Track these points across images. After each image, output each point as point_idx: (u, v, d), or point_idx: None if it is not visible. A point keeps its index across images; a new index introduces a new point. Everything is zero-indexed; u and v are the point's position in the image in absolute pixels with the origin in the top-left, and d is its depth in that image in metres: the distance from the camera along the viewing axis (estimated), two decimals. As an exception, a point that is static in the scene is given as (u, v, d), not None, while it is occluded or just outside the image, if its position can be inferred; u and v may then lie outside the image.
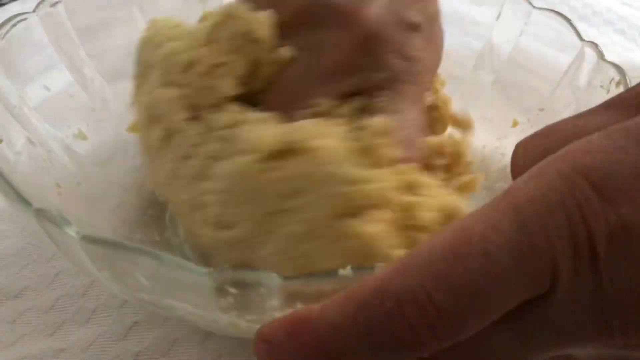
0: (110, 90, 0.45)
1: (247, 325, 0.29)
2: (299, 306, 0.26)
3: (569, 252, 0.22)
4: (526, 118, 0.43)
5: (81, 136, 0.42)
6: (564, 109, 0.41)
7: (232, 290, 0.26)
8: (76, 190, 0.39)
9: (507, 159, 0.41)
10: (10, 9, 0.39)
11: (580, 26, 0.42)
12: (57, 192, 0.38)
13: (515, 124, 0.44)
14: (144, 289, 0.28)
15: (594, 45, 0.40)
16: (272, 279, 0.25)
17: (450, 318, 0.22)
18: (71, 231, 0.26)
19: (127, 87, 0.45)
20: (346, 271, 0.24)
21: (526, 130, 0.42)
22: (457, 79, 0.47)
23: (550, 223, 0.22)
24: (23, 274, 0.39)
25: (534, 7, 0.44)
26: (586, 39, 0.42)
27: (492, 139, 0.45)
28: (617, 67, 0.38)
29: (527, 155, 0.29)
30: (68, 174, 0.39)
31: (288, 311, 0.26)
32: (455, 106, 0.46)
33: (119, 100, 0.45)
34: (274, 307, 0.26)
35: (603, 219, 0.22)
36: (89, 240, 0.26)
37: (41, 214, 0.27)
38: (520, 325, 0.23)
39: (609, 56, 0.40)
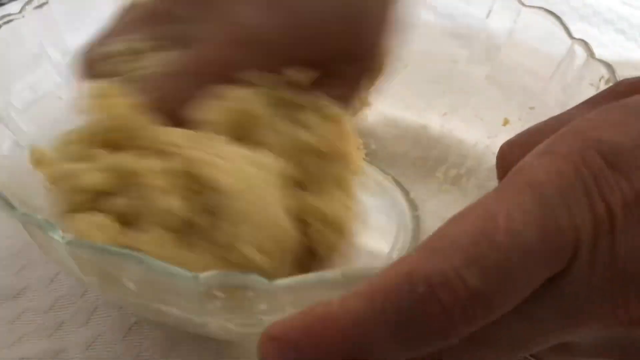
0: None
1: (238, 329, 0.29)
2: (289, 309, 0.26)
3: (590, 225, 0.22)
4: (517, 117, 0.43)
5: (69, 139, 0.41)
6: (555, 107, 0.40)
7: (220, 294, 0.25)
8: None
9: (498, 157, 0.41)
10: (10, 9, 0.39)
11: (580, 26, 0.42)
12: (46, 195, 0.37)
13: (506, 122, 0.44)
14: (132, 294, 0.28)
15: (584, 42, 0.40)
16: (261, 283, 0.25)
17: (482, 300, 0.21)
18: (56, 236, 0.26)
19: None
20: (336, 275, 0.24)
21: (517, 128, 0.41)
22: (449, 76, 0.47)
23: (570, 197, 0.22)
24: (23, 274, 0.39)
25: (523, 4, 0.44)
26: (586, 38, 0.41)
27: (484, 137, 0.44)
28: (607, 65, 0.38)
29: (515, 153, 0.29)
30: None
31: (277, 315, 0.26)
32: (447, 104, 0.47)
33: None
34: (262, 311, 0.26)
35: (618, 190, 0.22)
36: (75, 245, 0.26)
37: (26, 218, 0.27)
38: (533, 305, 0.23)
39: (609, 56, 0.40)
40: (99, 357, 0.35)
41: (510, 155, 0.29)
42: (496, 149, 0.43)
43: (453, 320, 0.21)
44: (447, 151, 0.45)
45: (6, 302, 0.37)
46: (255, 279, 0.24)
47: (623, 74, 0.38)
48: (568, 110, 0.30)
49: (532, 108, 0.42)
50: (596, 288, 0.23)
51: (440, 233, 0.23)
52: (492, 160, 0.42)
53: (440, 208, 0.42)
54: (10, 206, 0.28)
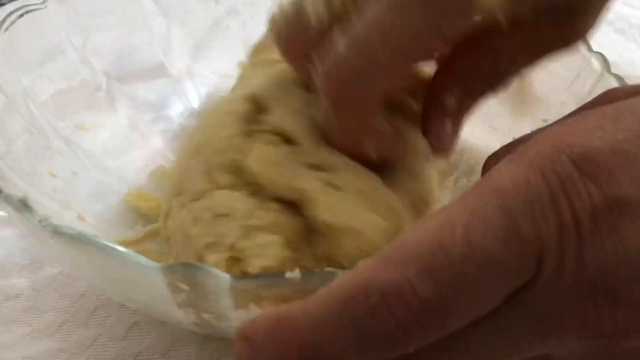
0: (116, 85, 0.45)
1: (215, 324, 0.29)
2: (252, 307, 0.26)
3: (555, 233, 0.21)
4: (530, 129, 0.42)
5: (82, 127, 0.42)
6: (568, 120, 0.39)
7: (184, 286, 0.26)
8: (72, 180, 0.40)
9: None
10: (10, 9, 0.40)
11: (579, 26, 0.41)
12: (51, 181, 0.38)
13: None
14: (104, 280, 0.28)
15: (601, 56, 0.39)
16: (221, 278, 0.25)
17: (437, 311, 0.21)
18: (33, 220, 0.27)
19: (132, 83, 0.46)
20: (294, 274, 0.24)
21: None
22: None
23: (535, 205, 0.21)
24: (23, 274, 0.39)
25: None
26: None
27: (496, 147, 0.43)
28: (620, 79, 0.37)
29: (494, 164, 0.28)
30: (64, 164, 0.40)
31: (242, 312, 0.26)
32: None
33: (123, 95, 0.46)
34: (226, 306, 0.26)
35: (586, 196, 0.21)
36: (49, 228, 0.26)
37: (8, 200, 0.28)
38: (502, 317, 0.22)
39: (609, 56, 0.39)
40: (99, 357, 0.35)
41: (490, 167, 0.29)
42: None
43: (406, 331, 0.21)
44: (459, 160, 0.45)
45: (6, 302, 0.38)
46: (215, 273, 0.25)
47: (623, 74, 0.37)
48: (555, 121, 0.29)
49: (545, 120, 0.41)
50: (565, 298, 0.22)
51: (398, 242, 0.22)
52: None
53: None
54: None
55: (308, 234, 0.30)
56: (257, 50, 0.41)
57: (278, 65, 0.35)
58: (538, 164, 0.22)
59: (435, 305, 0.21)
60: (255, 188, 0.31)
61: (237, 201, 0.30)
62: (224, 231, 0.30)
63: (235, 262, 0.29)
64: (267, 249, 0.29)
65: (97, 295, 0.38)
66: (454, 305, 0.21)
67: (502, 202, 0.21)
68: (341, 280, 0.22)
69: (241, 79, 0.39)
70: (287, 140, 0.31)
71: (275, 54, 0.33)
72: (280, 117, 0.32)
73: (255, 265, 0.29)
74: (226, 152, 0.32)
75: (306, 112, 0.31)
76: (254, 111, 0.32)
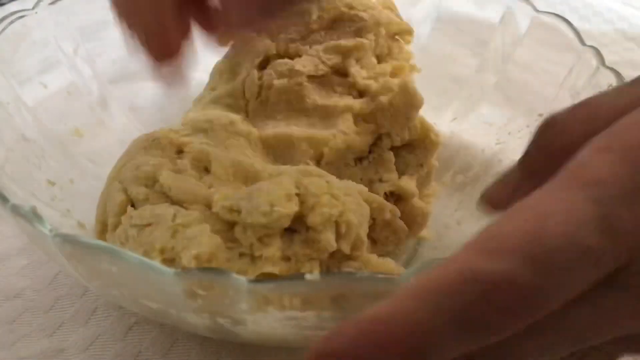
0: (110, 90, 0.45)
1: (230, 328, 0.29)
2: (271, 310, 0.26)
3: None
4: (526, 124, 0.42)
5: (77, 133, 0.42)
6: (564, 114, 0.40)
7: (200, 292, 0.25)
8: (70, 187, 0.40)
9: (505, 164, 0.41)
10: (10, 9, 0.39)
11: (580, 26, 0.41)
12: (49, 189, 0.38)
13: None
14: (117, 287, 0.28)
15: (595, 50, 0.39)
16: (240, 282, 0.25)
17: (539, 298, 0.22)
18: (44, 229, 0.26)
19: (126, 87, 0.46)
20: (314, 275, 0.24)
21: (525, 136, 0.41)
22: (460, 81, 0.47)
23: (628, 197, 0.22)
24: (23, 274, 0.39)
25: (537, 10, 0.43)
26: (586, 38, 0.41)
27: (492, 143, 0.44)
28: (616, 73, 0.37)
29: (567, 135, 0.28)
30: (61, 171, 0.39)
31: (260, 315, 0.26)
32: (457, 109, 0.46)
33: (117, 99, 0.45)
34: (244, 310, 0.26)
35: None
36: (61, 238, 0.26)
37: (16, 210, 0.27)
38: (599, 297, 0.23)
39: (609, 56, 0.39)
40: (99, 357, 0.35)
41: (561, 136, 0.28)
42: (504, 156, 0.43)
43: (514, 316, 0.22)
44: (455, 157, 0.45)
45: (6, 302, 0.37)
46: (235, 278, 0.24)
47: (623, 74, 0.37)
48: (609, 92, 0.28)
49: (541, 115, 0.42)
50: None
51: (491, 232, 0.22)
52: (500, 167, 0.42)
53: (445, 213, 0.42)
54: (3, 197, 0.28)
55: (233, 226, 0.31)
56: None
57: None
58: (630, 157, 0.23)
59: (538, 292, 0.21)
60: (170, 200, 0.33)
61: (159, 210, 0.32)
62: (151, 239, 0.31)
63: (169, 264, 0.30)
64: (195, 239, 0.30)
65: (97, 296, 0.37)
66: (553, 292, 0.22)
67: (594, 194, 0.22)
68: (431, 274, 0.22)
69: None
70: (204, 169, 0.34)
71: None
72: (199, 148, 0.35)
73: (187, 256, 0.29)
74: (140, 167, 0.34)
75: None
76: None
